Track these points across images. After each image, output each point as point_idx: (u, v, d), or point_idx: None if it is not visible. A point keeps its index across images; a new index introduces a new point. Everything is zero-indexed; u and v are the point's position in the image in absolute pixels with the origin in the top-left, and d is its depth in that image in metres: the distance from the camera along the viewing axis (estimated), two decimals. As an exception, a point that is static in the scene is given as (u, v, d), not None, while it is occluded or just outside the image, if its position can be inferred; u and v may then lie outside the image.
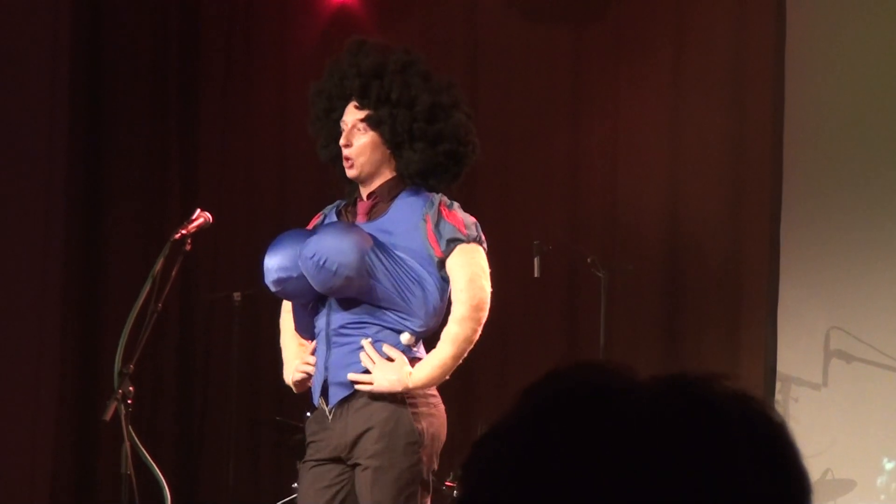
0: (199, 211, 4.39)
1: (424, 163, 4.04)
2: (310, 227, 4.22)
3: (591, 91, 6.92)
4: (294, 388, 4.21)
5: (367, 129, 4.06)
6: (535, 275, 6.17)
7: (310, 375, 4.11)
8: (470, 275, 3.97)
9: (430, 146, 4.04)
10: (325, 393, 4.06)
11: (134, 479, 4.15)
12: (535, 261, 6.15)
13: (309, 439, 4.13)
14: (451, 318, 3.98)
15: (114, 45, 7.30)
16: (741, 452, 1.00)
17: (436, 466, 4.06)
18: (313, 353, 4.12)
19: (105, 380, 5.81)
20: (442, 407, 4.06)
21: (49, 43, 7.15)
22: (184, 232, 4.29)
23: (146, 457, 4.22)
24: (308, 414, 4.33)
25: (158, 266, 4.22)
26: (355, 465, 4.00)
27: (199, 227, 4.34)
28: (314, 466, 4.06)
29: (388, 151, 4.07)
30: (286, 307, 4.28)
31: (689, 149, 6.73)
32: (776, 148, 6.62)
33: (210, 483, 7.04)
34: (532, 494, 0.99)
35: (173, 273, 4.26)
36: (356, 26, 6.86)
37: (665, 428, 0.99)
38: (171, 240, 4.27)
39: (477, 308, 3.96)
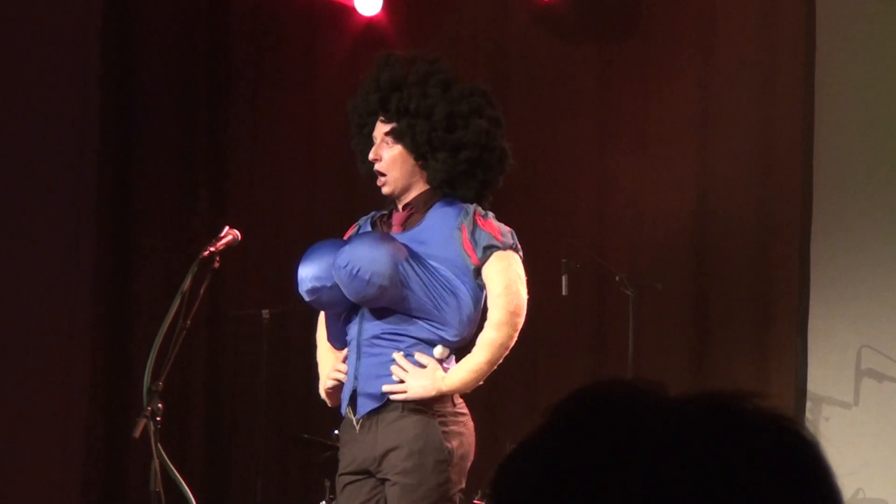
0: (227, 228, 4.40)
1: (448, 172, 4.06)
2: (345, 238, 4.23)
3: (618, 108, 6.91)
4: (328, 401, 4.21)
5: (393, 142, 4.09)
6: (563, 293, 6.16)
7: (342, 384, 4.12)
8: (507, 281, 3.97)
9: (451, 155, 4.05)
10: (353, 402, 4.06)
11: (163, 496, 4.16)
12: (563, 279, 6.14)
13: (341, 449, 4.14)
14: (487, 323, 3.99)
15: (143, 63, 7.33)
16: (773, 471, 0.99)
17: (463, 485, 4.05)
18: (345, 360, 4.13)
19: (134, 397, 5.83)
20: (472, 425, 4.06)
21: (78, 66, 7.19)
22: (212, 249, 4.31)
23: (175, 474, 4.23)
24: (336, 432, 4.33)
25: (187, 283, 4.23)
26: (384, 480, 4.00)
27: (227, 244, 4.36)
28: (348, 483, 4.07)
29: (417, 163, 4.08)
30: (321, 321, 4.29)
31: (717, 166, 6.71)
32: (806, 165, 6.59)
33: (238, 500, 7.04)
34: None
35: (202, 290, 4.27)
36: (384, 43, 6.87)
37: (695, 446, 0.98)
38: (200, 257, 4.29)
39: (514, 313, 3.97)
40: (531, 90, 7.00)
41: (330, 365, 4.21)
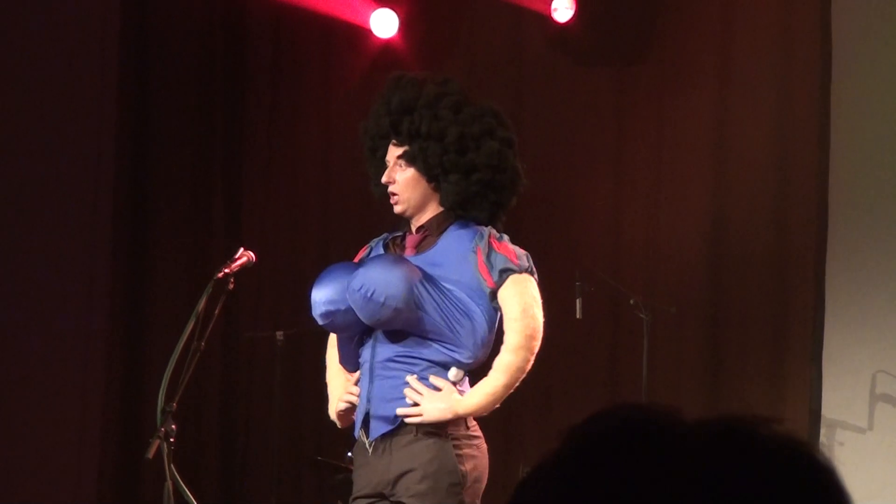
0: (242, 250, 4.41)
1: (460, 194, 4.06)
2: (356, 259, 4.24)
3: (633, 131, 6.92)
4: (338, 423, 4.21)
5: (406, 165, 4.09)
6: (578, 316, 6.15)
7: (353, 406, 4.11)
8: (523, 305, 3.97)
9: (464, 177, 4.06)
10: (366, 425, 4.05)
11: (175, 518, 4.15)
12: (578, 302, 6.14)
13: (354, 473, 4.13)
14: (504, 348, 3.99)
15: (160, 82, 7.36)
16: (789, 496, 0.99)
17: None
18: (357, 383, 4.12)
19: (148, 418, 5.83)
20: (485, 448, 4.05)
21: (95, 88, 7.21)
22: (227, 271, 4.31)
23: (188, 495, 4.22)
24: (349, 454, 4.33)
25: (201, 305, 4.23)
26: (397, 503, 3.99)
27: (242, 266, 4.36)
28: None
29: (430, 185, 4.09)
30: (331, 342, 4.29)
31: (732, 189, 6.71)
32: (821, 188, 6.58)
33: (251, 522, 7.04)
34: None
35: (216, 312, 4.27)
36: (400, 65, 6.89)
37: (712, 470, 0.98)
38: (215, 279, 4.29)
39: (530, 338, 3.97)
40: (547, 112, 7.01)
41: (340, 386, 4.20)
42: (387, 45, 7.20)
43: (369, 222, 6.18)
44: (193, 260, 7.18)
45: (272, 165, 7.36)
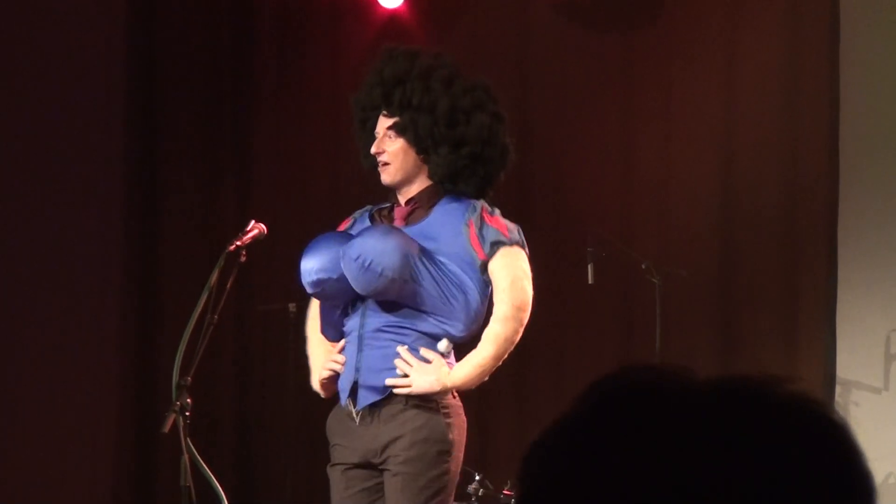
0: (253, 222, 4.41)
1: (449, 167, 4.08)
2: (340, 230, 4.26)
3: (642, 96, 6.90)
4: (322, 392, 4.22)
5: (396, 135, 4.11)
6: (589, 282, 6.16)
7: (337, 375, 4.13)
8: (512, 276, 3.99)
9: (452, 150, 4.07)
10: (353, 394, 4.07)
11: (193, 491, 4.17)
12: (589, 268, 6.14)
13: (333, 442, 4.14)
14: (493, 318, 4.01)
15: (168, 57, 7.34)
16: (804, 455, 0.99)
17: (458, 478, 4.08)
18: (341, 352, 4.14)
19: (163, 392, 5.85)
20: (465, 418, 4.08)
21: (103, 53, 7.20)
22: (238, 244, 4.32)
23: (205, 469, 4.24)
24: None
25: (214, 278, 4.24)
26: (385, 470, 4.01)
27: (253, 238, 4.37)
28: (346, 470, 4.08)
29: (419, 157, 4.10)
30: (311, 314, 4.32)
31: (743, 152, 6.69)
32: (832, 149, 6.56)
33: (268, 494, 7.06)
34: (590, 493, 0.99)
35: (229, 285, 4.28)
36: (407, 34, 6.88)
37: (726, 428, 0.98)
38: (226, 252, 4.30)
39: (519, 308, 3.98)
40: (554, 79, 6.99)
41: (322, 356, 4.23)
42: (393, 15, 7.18)
43: (378, 192, 6.18)
44: (205, 233, 7.18)
45: (281, 137, 7.35)
